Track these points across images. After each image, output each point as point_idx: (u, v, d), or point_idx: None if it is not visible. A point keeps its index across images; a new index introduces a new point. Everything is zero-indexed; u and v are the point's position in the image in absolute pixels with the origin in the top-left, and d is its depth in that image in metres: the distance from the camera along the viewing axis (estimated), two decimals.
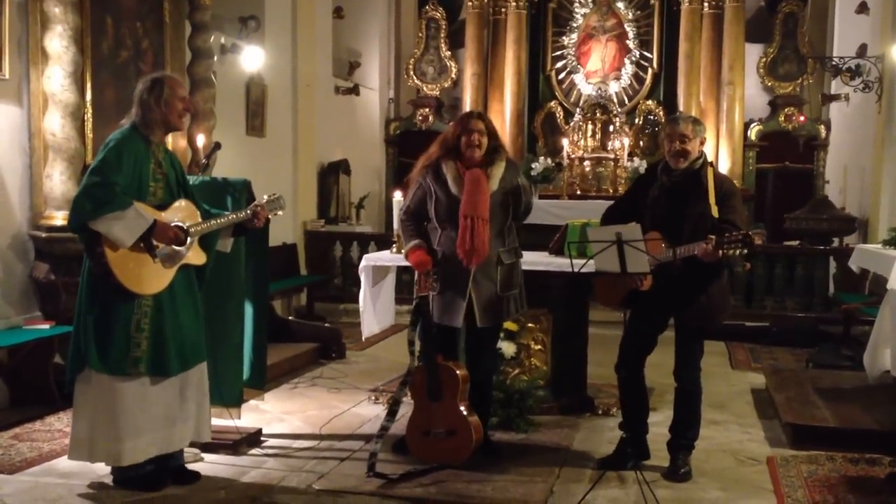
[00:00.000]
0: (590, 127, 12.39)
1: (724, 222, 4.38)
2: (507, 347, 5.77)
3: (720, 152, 12.18)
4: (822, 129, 12.22)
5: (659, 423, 5.02)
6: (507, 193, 4.79)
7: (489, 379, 5.05)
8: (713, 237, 4.21)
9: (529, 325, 5.84)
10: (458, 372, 4.72)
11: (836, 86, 11.58)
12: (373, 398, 6.23)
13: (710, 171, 4.56)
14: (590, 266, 4.56)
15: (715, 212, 4.40)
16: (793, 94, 12.37)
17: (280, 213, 4.78)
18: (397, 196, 5.79)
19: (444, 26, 13.36)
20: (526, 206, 4.91)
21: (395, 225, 5.44)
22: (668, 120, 4.75)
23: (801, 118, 12.15)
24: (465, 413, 4.71)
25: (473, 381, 4.83)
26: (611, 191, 11.78)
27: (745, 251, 4.18)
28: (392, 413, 4.83)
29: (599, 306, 6.11)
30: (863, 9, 10.60)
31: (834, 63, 10.57)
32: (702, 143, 4.60)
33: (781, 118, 12.32)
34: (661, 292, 4.48)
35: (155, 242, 4.16)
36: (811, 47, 12.28)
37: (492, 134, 4.82)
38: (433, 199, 4.80)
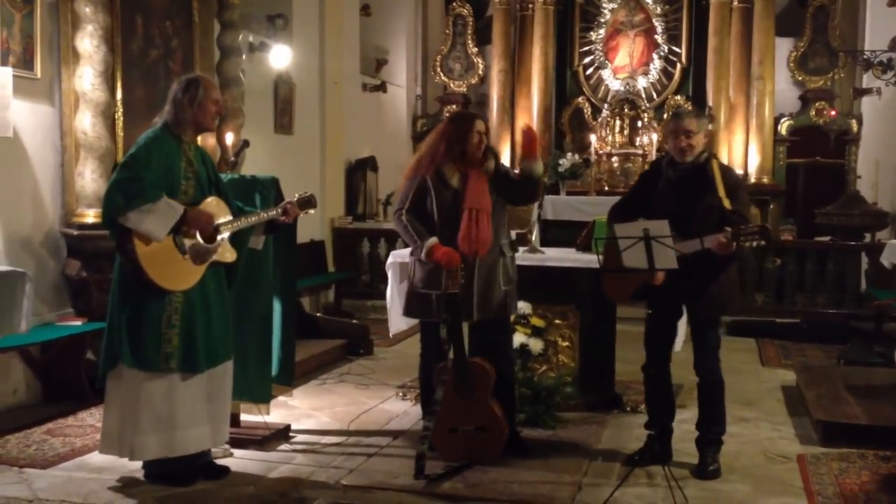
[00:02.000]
0: (618, 122, 12.35)
1: (734, 213, 4.37)
2: (535, 344, 5.76)
3: (750, 147, 12.09)
4: (854, 123, 12.09)
5: (687, 421, 5.00)
6: (499, 182, 4.85)
7: (509, 375, 5.01)
8: (729, 229, 4.20)
9: (557, 321, 5.83)
10: (488, 368, 4.72)
11: (867, 80, 11.44)
12: (400, 394, 6.24)
13: (714, 163, 4.56)
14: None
15: (727, 203, 4.38)
16: (823, 88, 12.23)
17: (311, 211, 4.81)
18: None
19: (470, 23, 13.35)
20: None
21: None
22: (672, 116, 4.78)
23: (832, 113, 12.03)
24: (496, 410, 4.72)
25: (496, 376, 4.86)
26: None
27: (763, 243, 4.15)
28: (433, 413, 4.73)
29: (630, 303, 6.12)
30: (895, 2, 10.46)
31: (865, 57, 10.44)
32: (706, 137, 4.59)
33: (812, 113, 12.20)
34: (671, 285, 4.46)
35: (187, 232, 4.19)
36: (842, 41, 12.14)
37: (488, 135, 4.96)
38: (433, 199, 4.79)
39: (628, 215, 4.57)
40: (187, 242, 4.23)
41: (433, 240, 4.72)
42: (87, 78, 6.14)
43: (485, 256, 4.75)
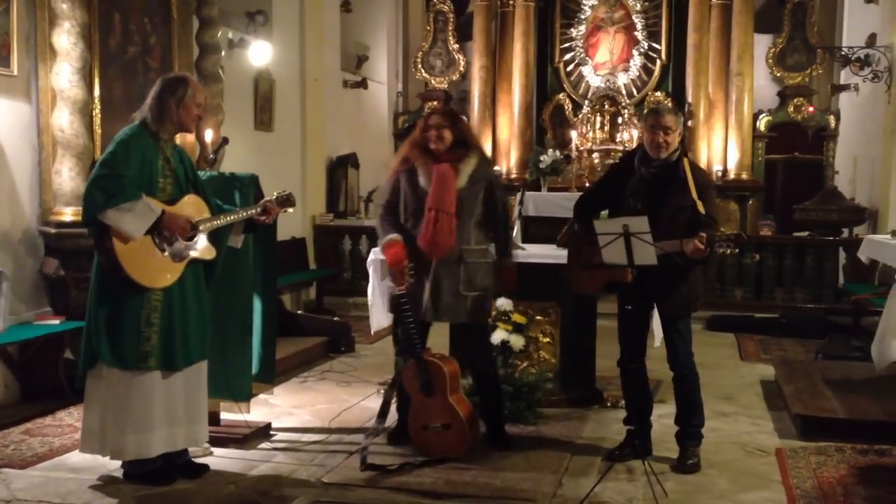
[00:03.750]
0: (598, 119, 12.37)
1: (705, 216, 4.41)
2: (516, 340, 5.75)
3: (729, 143, 12.15)
4: (832, 119, 12.18)
5: (667, 416, 5.02)
6: (479, 190, 4.80)
7: (487, 375, 5.00)
8: (703, 235, 4.22)
9: (538, 317, 5.84)
10: (443, 366, 4.73)
11: (845, 76, 11.53)
12: (382, 392, 6.23)
13: (686, 161, 4.60)
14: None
15: (701, 207, 4.42)
16: (802, 84, 12.32)
17: (290, 210, 4.80)
18: None
19: (451, 19, 13.35)
20: (502, 203, 4.90)
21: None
22: (651, 111, 4.81)
23: (811, 109, 12.11)
24: (455, 407, 4.73)
25: (475, 377, 4.92)
26: None
27: (737, 251, 4.20)
28: (382, 415, 4.85)
29: (608, 298, 6.12)
30: None
31: (843, 53, 10.52)
32: (680, 135, 4.63)
33: (790, 109, 12.28)
34: (641, 282, 4.47)
35: (165, 234, 4.18)
36: (820, 37, 12.24)
37: (457, 128, 4.83)
38: (404, 195, 4.85)
39: (595, 207, 4.64)
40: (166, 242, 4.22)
41: (390, 237, 4.79)
42: (64, 75, 6.09)
43: (444, 259, 4.74)
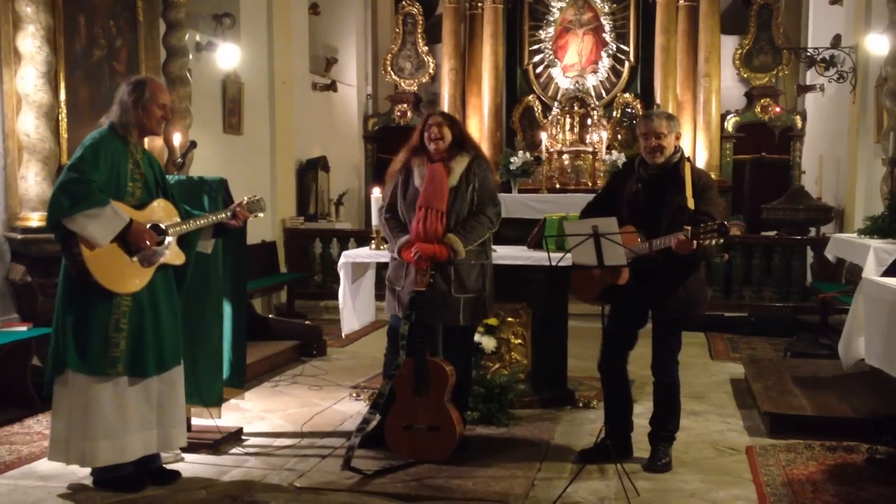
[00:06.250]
0: (568, 120, 12.45)
1: (702, 214, 4.39)
2: (487, 342, 5.77)
3: (697, 144, 12.26)
4: (798, 119, 12.33)
5: (639, 415, 5.04)
6: (469, 189, 4.83)
7: (459, 379, 4.94)
8: (688, 228, 4.22)
9: (509, 319, 5.85)
10: (446, 368, 4.73)
11: (811, 76, 11.67)
12: (354, 395, 6.22)
13: (686, 165, 4.57)
14: (567, 260, 4.59)
15: (691, 203, 4.40)
16: (768, 85, 12.46)
17: (260, 214, 4.78)
18: (376, 192, 5.79)
19: (420, 21, 13.35)
20: (479, 196, 4.84)
21: (374, 222, 5.53)
22: (643, 117, 4.77)
23: (777, 109, 12.25)
24: (449, 411, 4.72)
25: None
26: (589, 184, 11.84)
27: (721, 241, 4.20)
28: (376, 406, 4.83)
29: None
30: None
31: (808, 54, 10.64)
32: (677, 138, 4.61)
33: (757, 109, 12.42)
34: (639, 286, 4.49)
35: (131, 245, 4.14)
36: (786, 38, 12.38)
37: (456, 129, 4.91)
38: (401, 194, 4.93)
39: (600, 214, 4.58)
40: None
41: (406, 238, 4.82)
42: (29, 79, 6.03)
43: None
